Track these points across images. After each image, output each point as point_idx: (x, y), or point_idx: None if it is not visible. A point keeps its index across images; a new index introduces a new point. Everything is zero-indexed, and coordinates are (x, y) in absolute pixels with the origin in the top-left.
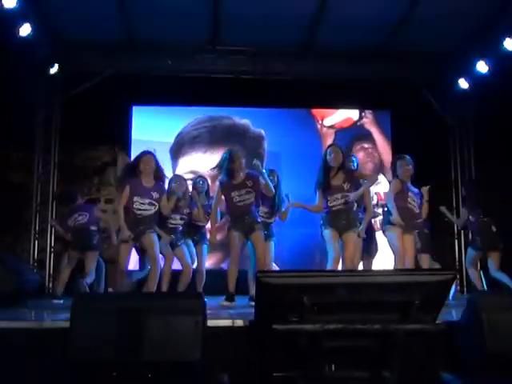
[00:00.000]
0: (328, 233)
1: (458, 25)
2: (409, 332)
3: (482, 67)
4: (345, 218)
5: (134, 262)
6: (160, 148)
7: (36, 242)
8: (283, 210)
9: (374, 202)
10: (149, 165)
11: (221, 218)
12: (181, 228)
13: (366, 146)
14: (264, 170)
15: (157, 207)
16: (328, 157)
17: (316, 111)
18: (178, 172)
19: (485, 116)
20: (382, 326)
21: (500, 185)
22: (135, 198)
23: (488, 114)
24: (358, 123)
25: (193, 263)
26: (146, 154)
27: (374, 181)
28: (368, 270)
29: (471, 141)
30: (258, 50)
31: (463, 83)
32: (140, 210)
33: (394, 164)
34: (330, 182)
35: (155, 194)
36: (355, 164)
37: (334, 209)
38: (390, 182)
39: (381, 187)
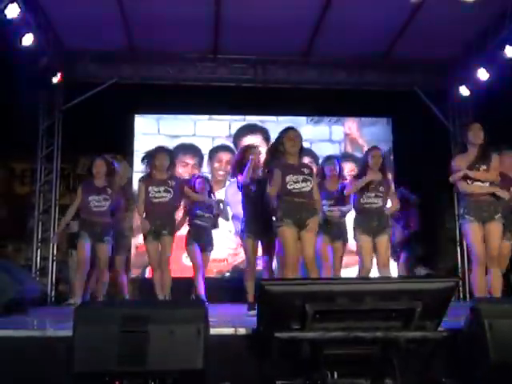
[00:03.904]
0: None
1: (458, 32)
2: (411, 339)
3: (482, 74)
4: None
5: None
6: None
7: (39, 250)
8: None
9: None
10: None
11: None
12: None
13: None
14: None
15: None
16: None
17: None
18: None
19: (485, 123)
20: (384, 334)
21: None
22: None
23: (489, 120)
24: None
25: None
26: None
27: None
28: (369, 278)
29: None
30: (259, 58)
31: (464, 90)
32: None
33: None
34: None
35: None
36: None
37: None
38: None
39: None
